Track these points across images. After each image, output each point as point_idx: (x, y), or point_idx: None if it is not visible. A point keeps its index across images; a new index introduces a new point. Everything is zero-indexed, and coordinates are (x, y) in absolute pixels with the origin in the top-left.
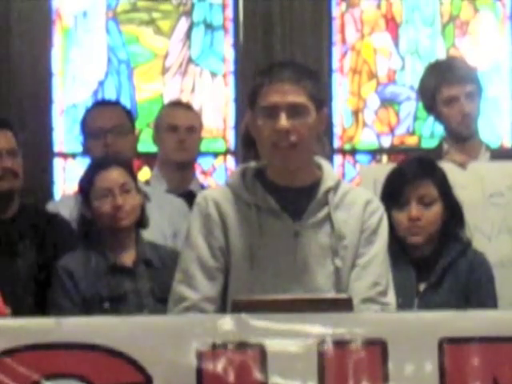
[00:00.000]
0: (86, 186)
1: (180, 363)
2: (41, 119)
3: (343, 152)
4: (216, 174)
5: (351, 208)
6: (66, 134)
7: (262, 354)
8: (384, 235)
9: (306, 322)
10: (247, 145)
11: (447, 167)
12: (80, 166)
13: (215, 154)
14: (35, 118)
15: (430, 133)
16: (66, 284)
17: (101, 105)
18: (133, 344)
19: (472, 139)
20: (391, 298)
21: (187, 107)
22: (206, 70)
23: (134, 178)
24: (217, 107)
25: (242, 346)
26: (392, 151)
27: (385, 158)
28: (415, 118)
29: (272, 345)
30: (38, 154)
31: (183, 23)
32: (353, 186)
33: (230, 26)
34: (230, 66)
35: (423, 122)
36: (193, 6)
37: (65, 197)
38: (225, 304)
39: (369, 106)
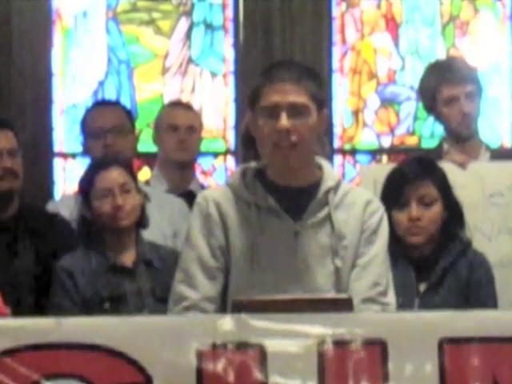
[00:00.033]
0: (86, 185)
1: (180, 363)
2: (41, 119)
3: (343, 152)
4: (216, 174)
5: (351, 208)
6: (65, 134)
7: (262, 354)
8: (384, 235)
9: (305, 322)
10: (247, 145)
11: (447, 167)
12: (80, 165)
13: (215, 154)
14: (35, 118)
15: (430, 133)
16: (66, 284)
17: (101, 105)
18: (133, 344)
19: (472, 139)
20: (391, 298)
21: (187, 107)
22: (206, 70)
23: (134, 177)
24: (217, 107)
25: (241, 346)
26: (392, 151)
27: (385, 158)
28: (415, 118)
29: (272, 345)
30: (38, 154)
31: (183, 23)
32: (353, 187)
33: (230, 25)
34: (230, 66)
35: (423, 122)
36: (193, 6)
37: (65, 197)
38: (225, 304)
39: (369, 106)
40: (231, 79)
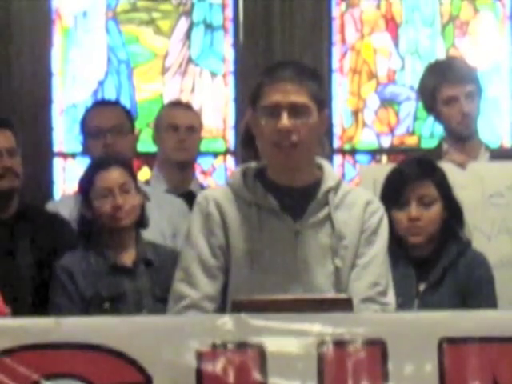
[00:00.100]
0: (86, 185)
1: (180, 363)
2: (40, 119)
3: (343, 152)
4: (216, 173)
5: (351, 208)
6: (65, 133)
7: (262, 353)
8: (384, 235)
9: (305, 322)
10: (247, 144)
11: (447, 167)
12: (80, 165)
13: (215, 154)
14: (35, 118)
15: (430, 133)
16: (65, 284)
17: (100, 105)
18: (133, 344)
19: (472, 139)
20: (391, 297)
21: (187, 107)
22: (205, 69)
23: (134, 177)
24: (217, 107)
25: (241, 345)
26: (392, 151)
27: (384, 158)
28: (415, 118)
29: (272, 345)
30: (38, 154)
31: (183, 23)
32: (353, 187)
33: (230, 25)
34: (230, 66)
35: (423, 122)
36: (193, 5)
37: (65, 197)
38: (224, 303)
39: (369, 106)
40: (231, 79)
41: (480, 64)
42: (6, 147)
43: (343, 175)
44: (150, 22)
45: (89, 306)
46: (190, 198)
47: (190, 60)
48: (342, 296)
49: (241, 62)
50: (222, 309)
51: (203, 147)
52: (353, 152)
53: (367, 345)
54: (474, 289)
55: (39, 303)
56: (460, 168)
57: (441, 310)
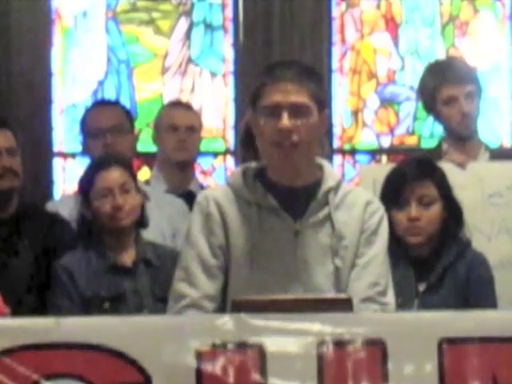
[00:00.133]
0: (86, 185)
1: (180, 363)
2: (40, 119)
3: (343, 152)
4: (216, 173)
5: (351, 208)
6: (65, 133)
7: (262, 353)
8: (384, 236)
9: (305, 322)
10: (246, 144)
11: (447, 167)
12: (80, 165)
13: (215, 154)
14: (35, 118)
15: (430, 133)
16: (65, 284)
17: (100, 104)
18: (133, 344)
19: (471, 139)
20: (391, 298)
21: (187, 107)
22: (205, 69)
23: (134, 177)
24: (216, 107)
25: (241, 345)
26: (392, 151)
27: (384, 158)
28: (415, 118)
29: (271, 345)
30: (38, 154)
31: (183, 23)
32: (353, 187)
33: (230, 25)
34: (230, 66)
35: (423, 122)
36: (192, 5)
37: (64, 197)
38: (225, 303)
39: (368, 106)
40: (231, 79)
41: (480, 64)
42: (6, 147)
43: (343, 175)
44: (150, 22)
45: (89, 306)
46: (189, 198)
47: (189, 60)
48: (342, 296)
49: (241, 61)
50: (222, 309)
51: (203, 147)
52: (353, 152)
53: (367, 345)
54: (474, 289)
55: (39, 303)
56: (460, 168)
57: (441, 310)
